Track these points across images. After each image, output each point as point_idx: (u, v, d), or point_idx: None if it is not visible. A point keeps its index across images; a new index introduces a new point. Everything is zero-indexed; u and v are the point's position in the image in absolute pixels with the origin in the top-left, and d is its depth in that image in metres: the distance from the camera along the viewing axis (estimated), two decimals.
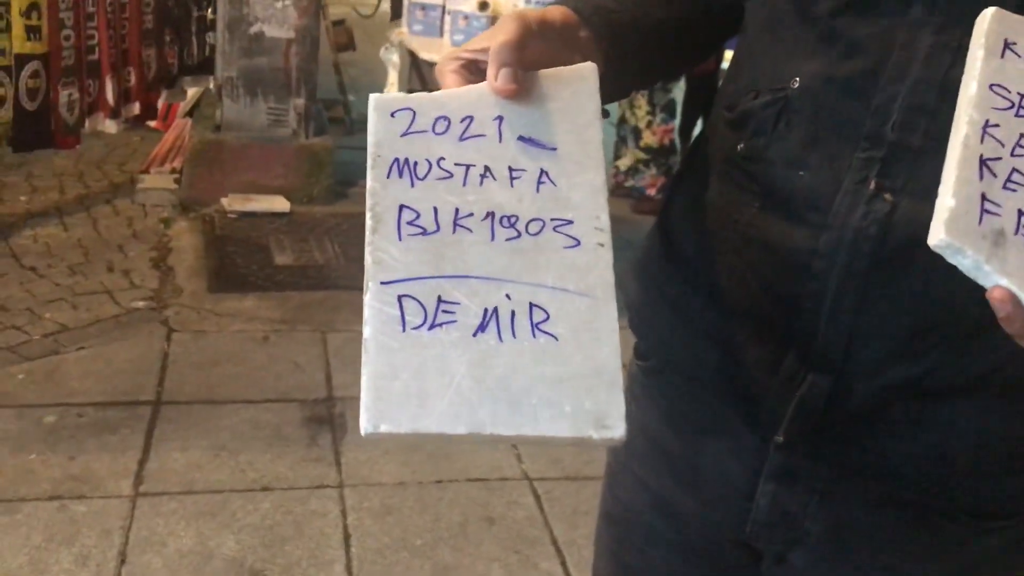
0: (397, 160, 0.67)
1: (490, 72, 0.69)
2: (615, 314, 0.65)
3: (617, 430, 0.61)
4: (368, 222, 0.65)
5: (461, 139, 0.68)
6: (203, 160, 4.14)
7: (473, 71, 0.72)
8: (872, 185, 0.74)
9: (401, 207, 0.66)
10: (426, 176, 0.67)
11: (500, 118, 0.69)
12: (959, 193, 0.60)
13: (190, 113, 4.75)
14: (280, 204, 4.07)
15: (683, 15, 0.88)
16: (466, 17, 3.33)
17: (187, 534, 2.19)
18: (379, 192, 0.66)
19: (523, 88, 0.69)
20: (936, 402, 0.77)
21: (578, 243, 0.66)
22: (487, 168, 0.67)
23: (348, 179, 4.26)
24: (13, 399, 2.67)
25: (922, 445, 0.78)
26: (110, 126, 4.09)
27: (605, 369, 0.63)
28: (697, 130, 3.99)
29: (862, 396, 0.79)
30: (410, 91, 4.10)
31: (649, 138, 4.66)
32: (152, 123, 4.82)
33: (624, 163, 4.83)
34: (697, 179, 0.89)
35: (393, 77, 3.67)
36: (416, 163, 0.67)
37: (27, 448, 2.45)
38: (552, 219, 0.67)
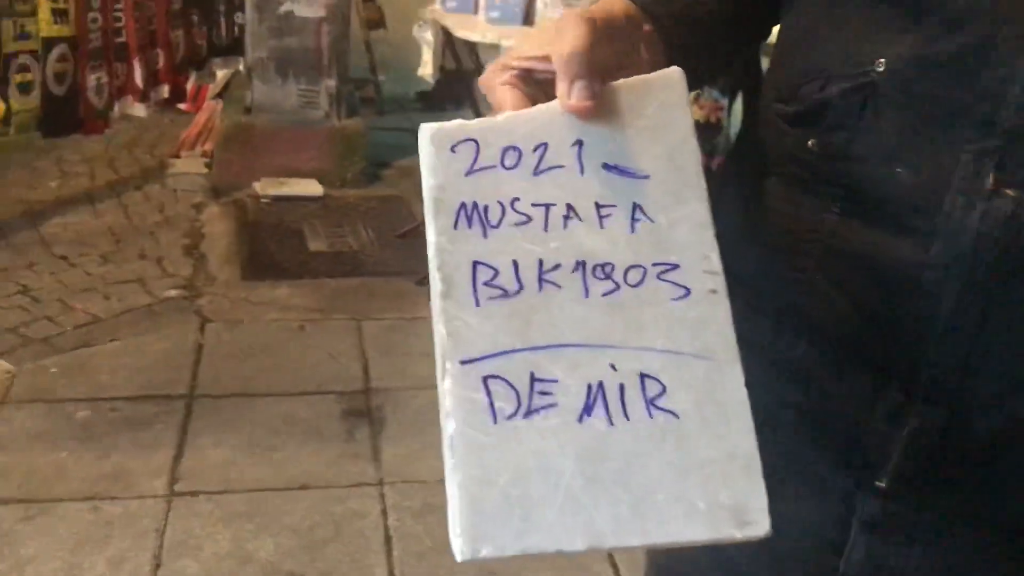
0: (464, 206, 0.55)
1: (561, 88, 0.57)
2: (742, 379, 0.54)
3: (761, 526, 0.51)
4: (437, 285, 0.54)
5: (536, 173, 0.57)
6: (234, 143, 4.06)
7: (529, 83, 0.61)
8: (991, 180, 0.62)
9: (475, 264, 0.54)
10: (500, 223, 0.55)
11: (579, 143, 0.57)
12: None
13: (220, 95, 4.67)
14: (313, 188, 3.98)
15: None
16: None
17: (223, 536, 2.12)
18: (447, 248, 0.54)
19: (601, 103, 0.57)
20: None
21: (688, 292, 0.55)
22: (570, 207, 0.56)
23: (381, 161, 4.16)
24: (45, 394, 2.61)
25: None
26: (139, 109, 4.01)
27: (739, 450, 0.53)
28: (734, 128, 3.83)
29: (982, 431, 0.67)
30: (442, 70, 3.99)
31: (696, 112, 4.51)
32: (182, 105, 4.75)
33: None
34: (747, 185, 0.77)
35: (427, 56, 3.55)
36: (487, 207, 0.55)
37: (59, 446, 2.39)
38: (654, 264, 0.56)
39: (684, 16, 0.70)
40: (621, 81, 0.59)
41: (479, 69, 3.78)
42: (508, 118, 0.58)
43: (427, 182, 0.56)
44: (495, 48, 3.18)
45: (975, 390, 0.66)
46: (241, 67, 4.38)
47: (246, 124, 4.09)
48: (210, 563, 2.04)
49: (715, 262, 0.57)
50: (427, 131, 0.57)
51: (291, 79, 4.05)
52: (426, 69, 3.64)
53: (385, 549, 2.12)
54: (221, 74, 4.79)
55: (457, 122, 0.58)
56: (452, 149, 0.57)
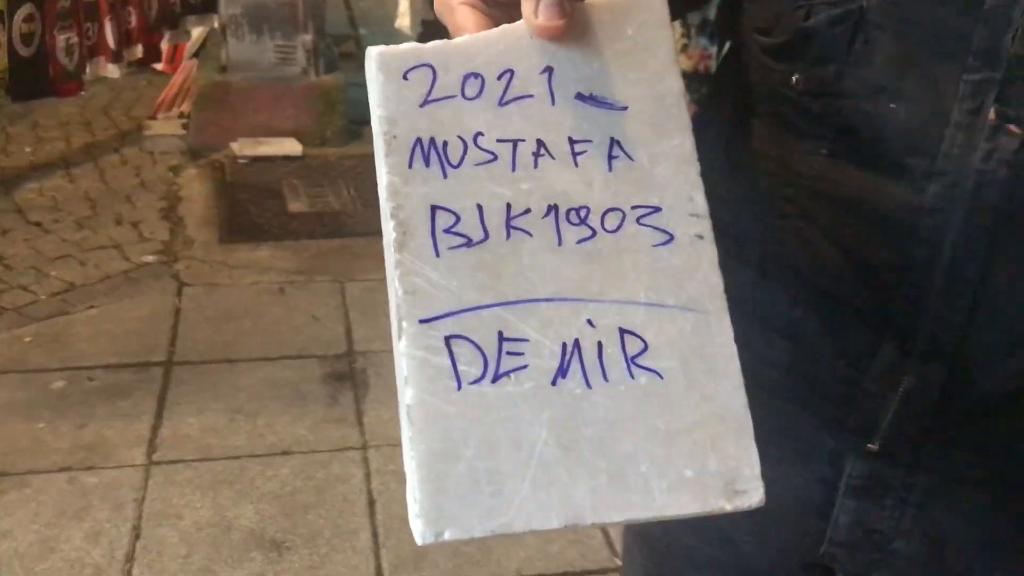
0: (420, 141, 0.49)
1: (527, 5, 0.51)
2: (731, 332, 0.49)
3: (754, 495, 0.47)
4: (391, 234, 0.48)
5: (501, 104, 0.51)
6: (210, 103, 3.97)
7: (491, 3, 0.54)
8: (992, 115, 0.56)
9: (434, 209, 0.48)
10: (462, 161, 0.49)
11: (549, 70, 0.51)
12: None
13: (196, 54, 4.56)
14: (292, 147, 3.90)
15: None
16: None
17: (203, 505, 2.08)
18: (401, 190, 0.48)
19: (573, 25, 0.51)
20: None
21: (671, 238, 0.50)
22: (541, 143, 0.50)
23: (362, 118, 4.04)
24: (20, 364, 2.56)
25: None
26: (112, 71, 3.90)
27: (729, 411, 0.48)
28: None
29: (984, 389, 0.62)
30: (423, 23, 3.87)
31: (684, 62, 4.41)
32: (158, 66, 4.64)
33: None
34: (728, 126, 0.71)
35: (404, 6, 3.46)
36: (447, 143, 0.49)
37: (35, 416, 2.34)
38: (633, 207, 0.50)
39: None
40: (594, 0, 0.53)
41: None
42: (468, 41, 0.52)
43: (376, 114, 0.50)
44: None
45: (978, 345, 0.61)
46: (216, 24, 4.27)
47: (222, 83, 3.99)
48: (190, 532, 2.00)
49: (700, 204, 0.51)
50: (375, 55, 0.51)
51: (266, 35, 3.95)
52: (403, 21, 3.55)
53: (369, 512, 2.08)
54: (196, 32, 4.67)
55: (410, 45, 0.51)
56: (405, 76, 0.50)
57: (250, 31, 3.95)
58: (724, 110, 0.73)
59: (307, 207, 3.53)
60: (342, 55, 4.84)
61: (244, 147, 3.88)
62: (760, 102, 0.68)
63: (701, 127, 0.74)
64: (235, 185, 3.68)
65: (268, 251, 3.22)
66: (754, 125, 0.69)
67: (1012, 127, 0.56)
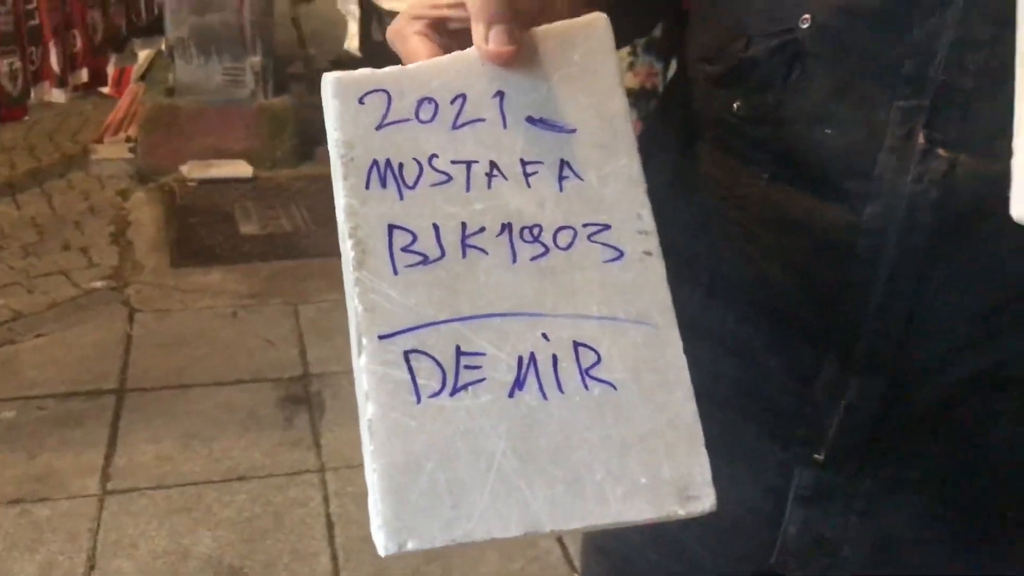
0: (376, 163, 0.51)
1: (477, 32, 0.53)
2: (680, 344, 0.52)
3: (706, 500, 0.49)
4: (349, 253, 0.50)
5: (455, 127, 0.53)
6: (158, 126, 3.93)
7: (443, 33, 0.56)
8: (922, 139, 0.60)
9: (391, 228, 0.50)
10: (417, 183, 0.51)
11: (500, 94, 0.53)
12: None
13: (143, 77, 4.52)
14: (243, 169, 3.88)
15: None
16: None
17: (159, 533, 2.06)
18: (359, 210, 0.50)
19: (522, 51, 0.53)
20: (1011, 394, 0.64)
21: (621, 254, 0.52)
22: (494, 164, 0.53)
23: (313, 138, 4.05)
24: None
25: (994, 445, 0.66)
26: (57, 95, 3.85)
27: (680, 420, 0.50)
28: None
29: (923, 398, 0.65)
30: (369, 41, 3.89)
31: (631, 80, 4.47)
32: (105, 89, 4.59)
33: None
34: (674, 149, 0.74)
35: (354, 28, 3.47)
36: (402, 165, 0.51)
37: None
38: (584, 225, 0.52)
39: None
40: (543, 27, 0.55)
41: None
42: (422, 66, 0.54)
43: (333, 137, 0.52)
44: None
45: (915, 358, 0.64)
46: (163, 47, 4.24)
47: (169, 106, 3.96)
48: (146, 561, 1.98)
49: (648, 221, 0.54)
50: (330, 80, 0.53)
51: (214, 57, 3.93)
52: (352, 42, 3.56)
53: (327, 535, 2.07)
54: (143, 55, 4.64)
55: (366, 70, 0.53)
56: (360, 100, 0.52)
57: (198, 53, 3.92)
58: (671, 133, 0.76)
59: (259, 229, 3.52)
60: (291, 76, 4.83)
61: (194, 170, 3.85)
62: (704, 127, 0.71)
63: (648, 147, 0.77)
64: (185, 208, 3.65)
65: (220, 274, 3.19)
66: (699, 148, 0.71)
67: (941, 150, 0.59)
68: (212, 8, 3.93)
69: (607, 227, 0.53)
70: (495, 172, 0.53)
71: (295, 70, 5.01)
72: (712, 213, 0.71)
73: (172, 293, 3.06)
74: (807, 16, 0.62)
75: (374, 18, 3.51)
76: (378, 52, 4.04)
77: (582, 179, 0.53)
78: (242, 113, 3.98)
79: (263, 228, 3.53)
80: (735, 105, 0.67)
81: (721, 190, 0.70)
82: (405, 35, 0.56)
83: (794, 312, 0.67)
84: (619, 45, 0.65)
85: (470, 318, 0.50)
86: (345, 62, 4.66)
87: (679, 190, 0.72)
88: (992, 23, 0.56)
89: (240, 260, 3.30)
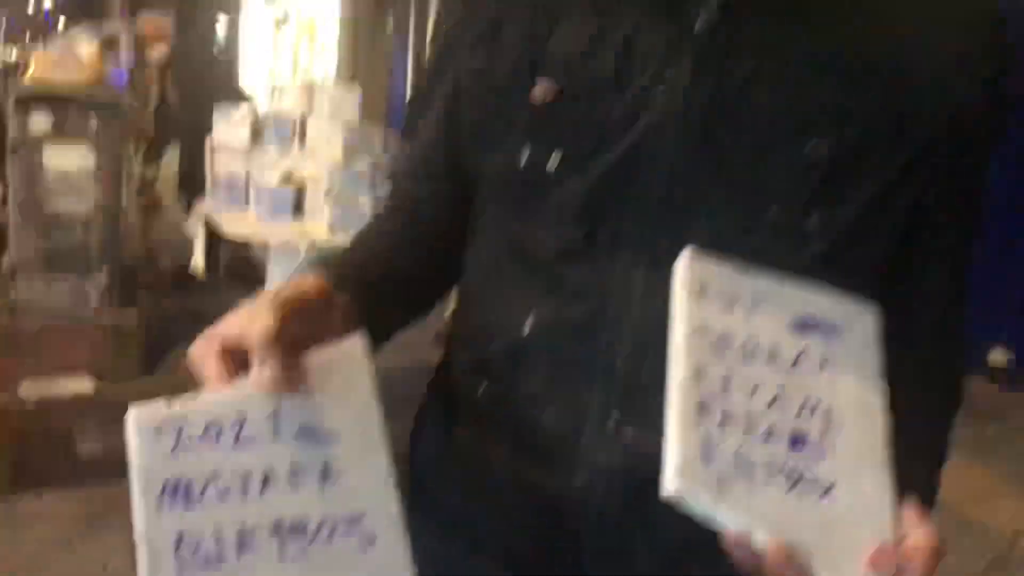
0: (167, 482, 0.63)
1: (254, 368, 0.66)
2: None
3: None
4: (143, 560, 0.61)
5: (235, 446, 0.65)
6: None
7: (238, 351, 0.69)
8: (612, 422, 0.78)
9: (179, 538, 0.62)
10: (202, 497, 0.63)
11: (275, 413, 0.66)
12: (682, 441, 0.62)
13: None
14: (84, 386, 3.85)
15: (421, 263, 0.90)
16: (270, 191, 3.33)
17: None
18: (153, 523, 0.62)
19: (292, 379, 0.66)
20: None
21: (375, 538, 0.64)
22: (266, 474, 0.65)
23: (163, 348, 4.08)
24: None
25: None
26: None
27: None
28: None
29: None
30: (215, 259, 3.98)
31: None
32: None
33: None
34: (443, 421, 0.90)
35: (199, 249, 3.60)
36: (191, 482, 0.63)
37: None
38: (343, 515, 0.65)
39: (374, 285, 0.81)
40: (312, 354, 0.68)
41: (251, 260, 3.84)
42: (209, 397, 0.66)
43: (133, 462, 0.64)
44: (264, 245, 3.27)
45: None
46: (3, 267, 4.24)
47: (9, 326, 3.93)
48: None
49: (395, 510, 0.66)
50: (132, 415, 0.65)
51: (59, 276, 3.96)
52: (199, 260, 3.68)
53: None
54: None
55: (160, 406, 0.65)
56: (157, 431, 0.64)
57: (41, 272, 3.95)
58: (437, 411, 0.92)
59: (99, 449, 3.47)
60: (140, 285, 4.87)
61: (31, 389, 3.79)
62: (461, 405, 0.88)
63: (422, 422, 0.96)
64: (20, 431, 3.57)
65: (55, 499, 3.12)
66: (459, 421, 0.88)
67: (627, 428, 0.77)
68: (59, 227, 3.99)
69: (363, 515, 0.65)
70: (268, 480, 0.65)
71: (144, 280, 5.06)
72: (470, 478, 0.87)
73: (1, 521, 2.97)
74: (528, 323, 0.81)
75: (219, 241, 3.66)
76: (220, 273, 4.15)
77: (343, 478, 0.66)
78: (85, 330, 3.98)
79: (103, 447, 3.48)
80: (479, 391, 0.84)
81: (475, 458, 0.86)
82: (205, 356, 0.68)
83: (538, 563, 0.84)
84: (385, 340, 0.81)
85: None
86: (188, 282, 4.73)
87: (446, 460, 0.88)
88: (657, 332, 0.71)
89: (77, 483, 3.24)
